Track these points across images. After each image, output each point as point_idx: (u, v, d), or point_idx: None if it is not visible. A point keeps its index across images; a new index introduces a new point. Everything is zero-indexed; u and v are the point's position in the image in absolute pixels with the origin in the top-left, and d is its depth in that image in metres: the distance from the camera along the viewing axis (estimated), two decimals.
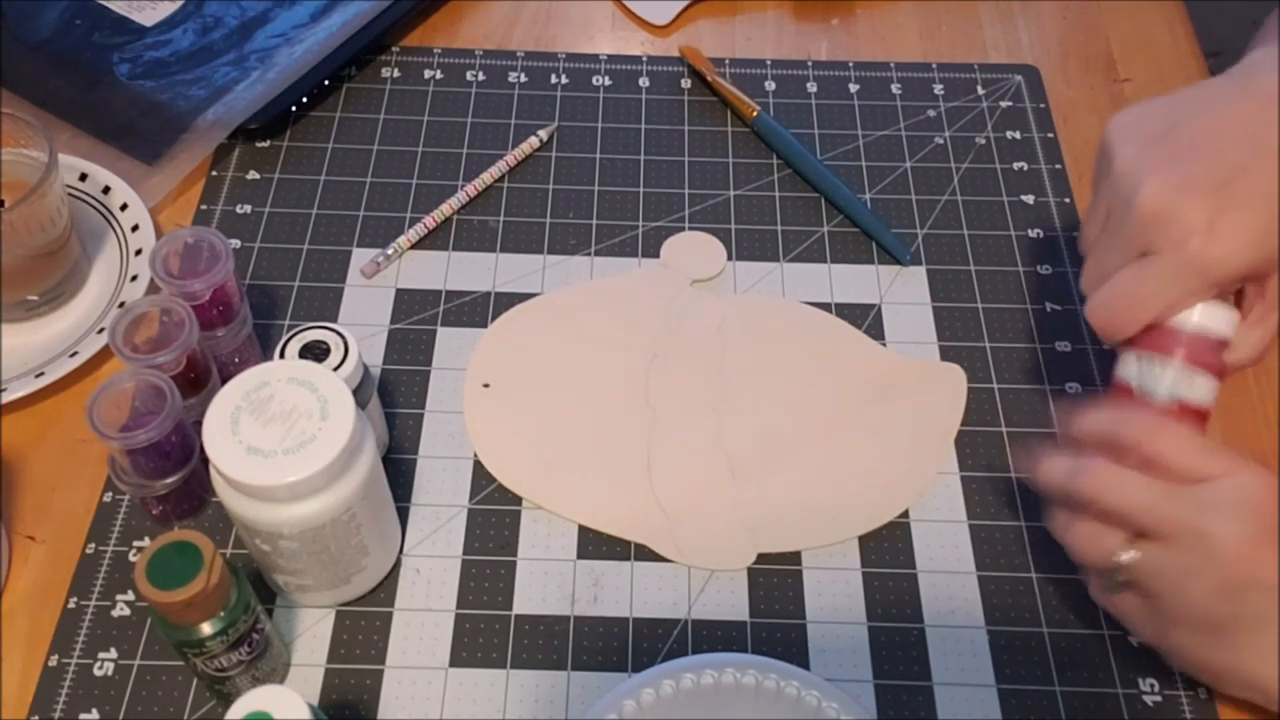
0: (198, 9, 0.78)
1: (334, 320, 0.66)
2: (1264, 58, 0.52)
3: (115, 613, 0.55)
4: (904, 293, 0.67)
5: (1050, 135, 0.75)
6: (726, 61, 0.79)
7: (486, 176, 0.72)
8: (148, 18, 0.77)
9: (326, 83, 0.76)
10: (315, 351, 0.53)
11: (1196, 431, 0.49)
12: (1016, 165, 0.73)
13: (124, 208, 0.68)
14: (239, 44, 0.76)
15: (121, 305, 0.64)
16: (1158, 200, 0.48)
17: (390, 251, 0.68)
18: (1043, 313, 0.66)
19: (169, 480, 0.55)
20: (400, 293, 0.67)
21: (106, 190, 0.69)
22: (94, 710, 0.52)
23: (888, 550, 0.58)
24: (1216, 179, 0.47)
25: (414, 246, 0.69)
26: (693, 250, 0.69)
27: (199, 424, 0.48)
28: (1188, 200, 0.47)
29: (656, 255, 0.69)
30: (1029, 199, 0.72)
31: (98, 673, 0.53)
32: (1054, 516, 0.51)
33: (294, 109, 0.75)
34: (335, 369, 0.53)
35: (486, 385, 0.63)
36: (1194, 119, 0.50)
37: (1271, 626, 0.44)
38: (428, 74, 0.78)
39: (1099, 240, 0.51)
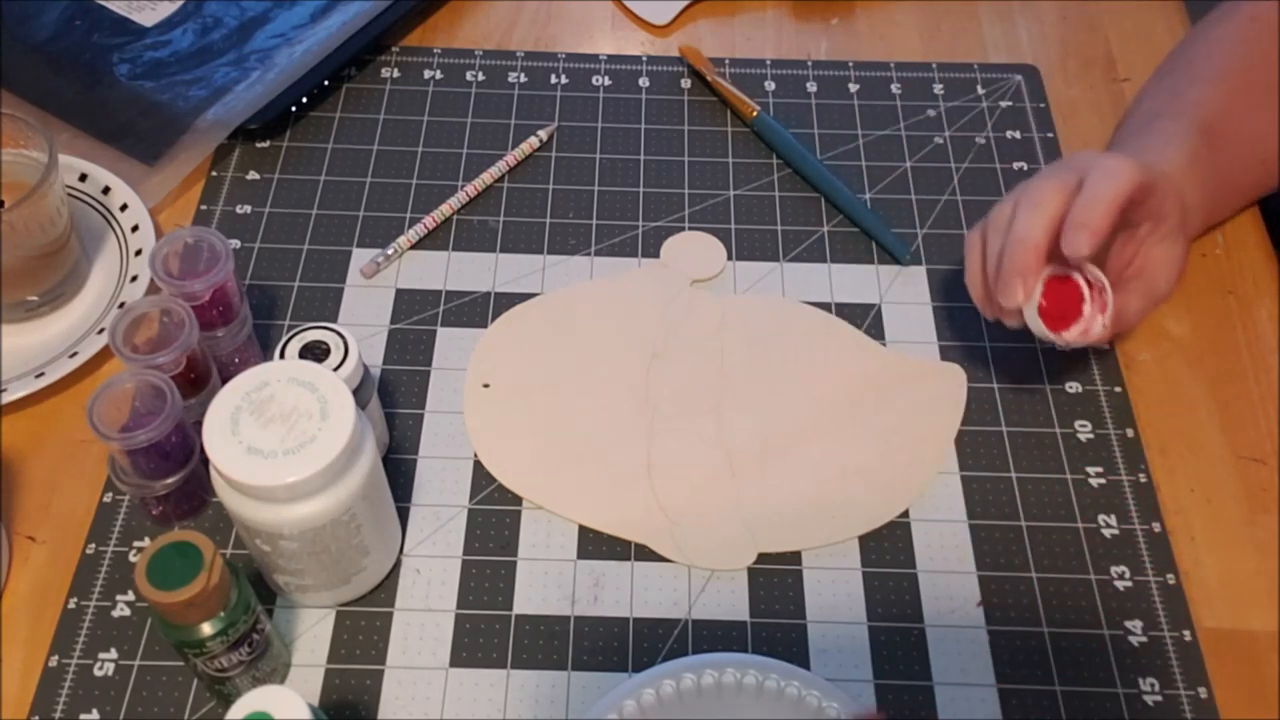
0: (198, 9, 0.78)
1: (334, 320, 0.66)
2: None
3: (115, 613, 0.55)
4: (904, 292, 0.67)
5: (1050, 135, 0.75)
6: (726, 61, 0.79)
7: (486, 176, 0.72)
8: (147, 18, 0.77)
9: (326, 83, 0.76)
10: (315, 352, 0.53)
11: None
12: (1016, 165, 0.73)
13: (124, 208, 0.68)
14: (239, 44, 0.76)
15: (121, 306, 0.64)
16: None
17: (390, 251, 0.68)
18: None
19: (169, 480, 0.55)
20: (400, 293, 0.67)
21: (106, 190, 0.69)
22: (94, 710, 0.52)
23: (888, 550, 0.58)
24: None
25: (414, 246, 0.69)
26: (693, 250, 0.69)
27: (199, 424, 0.48)
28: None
29: (656, 255, 0.69)
30: None
31: (98, 673, 0.53)
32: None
33: (294, 109, 0.75)
34: (335, 369, 0.53)
35: (486, 385, 0.63)
36: None
37: None
38: (427, 74, 0.78)
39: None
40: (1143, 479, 0.60)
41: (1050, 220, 0.54)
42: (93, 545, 0.57)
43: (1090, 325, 0.55)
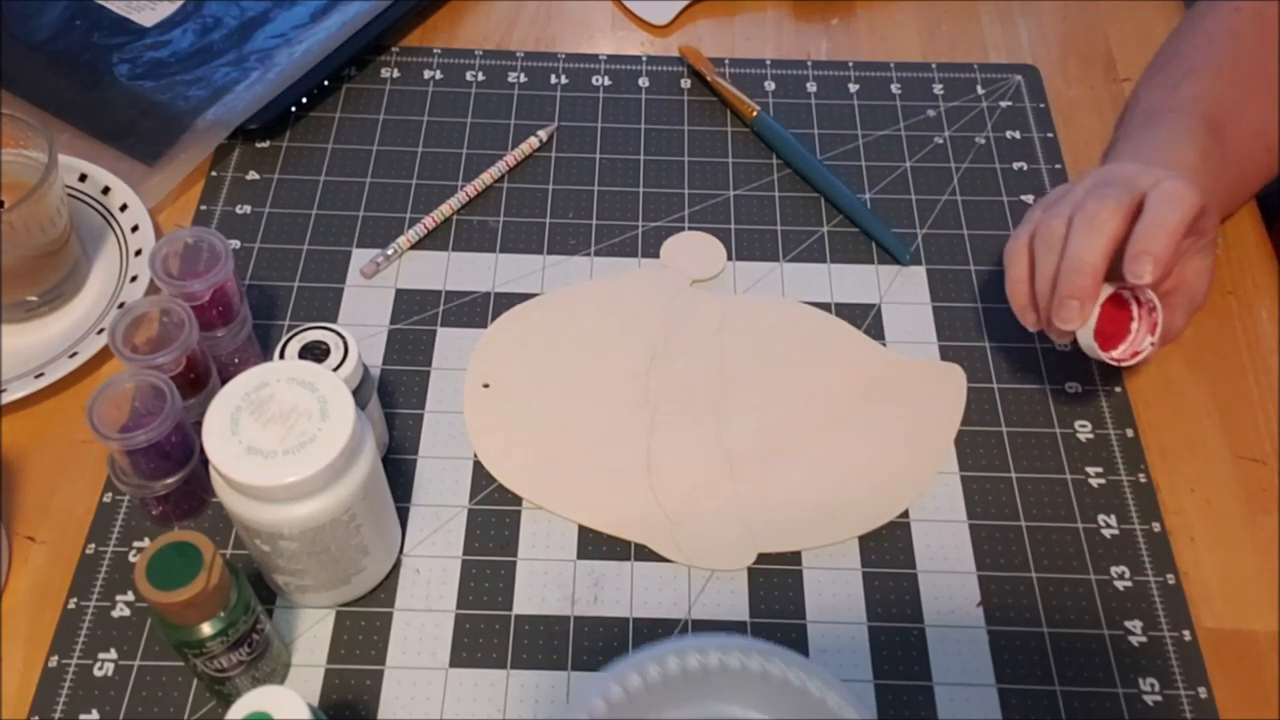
0: (198, 9, 0.78)
1: (334, 320, 0.66)
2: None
3: (115, 613, 0.55)
4: (904, 292, 0.67)
5: (1050, 135, 0.75)
6: (726, 61, 0.79)
7: (486, 176, 0.72)
8: (147, 18, 0.77)
9: (326, 83, 0.76)
10: (315, 352, 0.53)
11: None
12: (1016, 165, 0.73)
13: (124, 208, 0.68)
14: (239, 44, 0.76)
15: (121, 306, 0.64)
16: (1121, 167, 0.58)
17: (390, 252, 0.68)
18: None
19: (169, 481, 0.55)
20: (400, 293, 0.67)
21: (106, 190, 0.69)
22: (94, 711, 0.52)
23: (888, 550, 0.58)
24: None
25: (414, 247, 0.69)
26: (693, 250, 0.69)
27: (199, 424, 0.48)
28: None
29: (656, 255, 0.69)
30: (1029, 199, 0.72)
31: (98, 673, 0.53)
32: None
33: (294, 109, 0.75)
34: (335, 369, 0.53)
35: (486, 385, 0.63)
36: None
37: None
38: (427, 74, 0.78)
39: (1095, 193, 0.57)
40: (1142, 479, 0.60)
41: (1109, 243, 0.54)
42: (92, 545, 0.57)
43: (1139, 344, 0.56)
